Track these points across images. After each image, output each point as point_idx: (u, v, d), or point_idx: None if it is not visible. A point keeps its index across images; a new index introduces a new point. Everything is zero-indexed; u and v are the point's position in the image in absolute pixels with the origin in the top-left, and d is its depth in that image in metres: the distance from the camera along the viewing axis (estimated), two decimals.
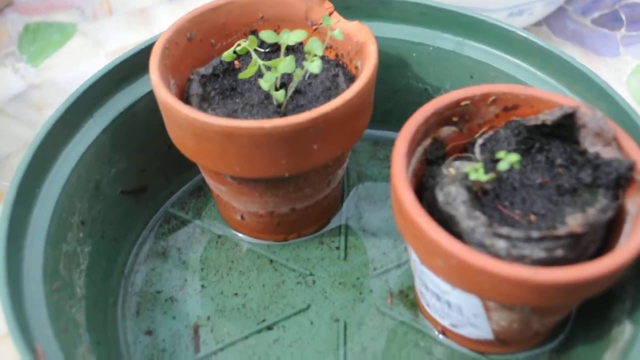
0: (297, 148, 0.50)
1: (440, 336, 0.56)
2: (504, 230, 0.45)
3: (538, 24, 0.90)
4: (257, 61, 0.54)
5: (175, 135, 0.54)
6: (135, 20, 0.94)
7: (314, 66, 0.52)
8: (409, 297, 0.58)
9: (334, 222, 0.64)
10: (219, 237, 0.64)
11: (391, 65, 0.66)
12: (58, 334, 0.47)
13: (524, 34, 0.60)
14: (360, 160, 0.70)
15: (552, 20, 0.91)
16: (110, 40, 0.91)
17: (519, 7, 0.78)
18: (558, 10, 0.92)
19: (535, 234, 0.44)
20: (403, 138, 0.49)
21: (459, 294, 0.48)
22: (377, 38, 0.60)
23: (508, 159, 0.47)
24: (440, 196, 0.48)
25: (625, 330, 0.48)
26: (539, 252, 0.44)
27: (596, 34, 0.89)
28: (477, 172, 0.48)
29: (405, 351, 0.55)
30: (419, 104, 0.52)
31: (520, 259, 0.44)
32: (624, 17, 0.91)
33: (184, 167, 0.65)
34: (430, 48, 0.65)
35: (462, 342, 0.55)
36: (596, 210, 0.46)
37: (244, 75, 0.54)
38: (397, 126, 0.51)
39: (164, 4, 0.97)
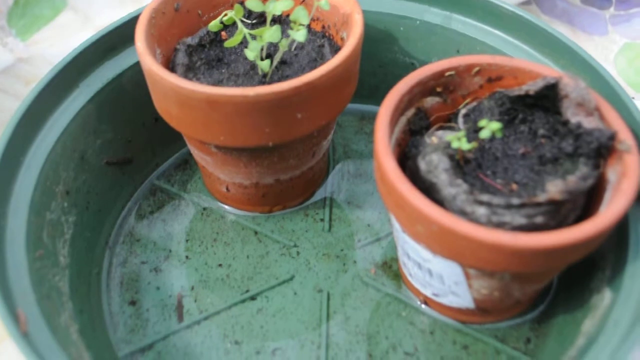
0: (280, 117, 0.51)
1: (423, 306, 0.56)
2: (485, 197, 0.45)
3: (527, 2, 0.90)
4: (242, 30, 0.54)
5: (160, 103, 0.54)
6: None
7: (299, 35, 0.52)
8: (392, 268, 0.59)
9: (319, 195, 0.64)
10: (204, 209, 0.64)
11: (378, 39, 0.66)
12: (40, 301, 0.47)
13: (511, 8, 0.60)
14: (347, 134, 0.70)
15: None
16: (100, 15, 0.91)
17: None
18: None
19: (515, 200, 0.45)
20: (386, 107, 0.49)
21: (439, 262, 0.49)
22: (364, 12, 0.61)
23: (490, 127, 0.47)
24: (422, 164, 0.48)
25: (605, 297, 0.48)
26: (519, 219, 0.44)
27: (585, 13, 0.89)
28: (459, 141, 0.48)
29: (388, 321, 0.56)
30: None
31: (500, 226, 0.44)
32: None
33: (170, 140, 0.65)
34: (418, 22, 0.65)
35: (444, 311, 0.55)
36: (576, 178, 0.46)
37: (229, 43, 0.54)
38: None
39: None
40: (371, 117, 0.71)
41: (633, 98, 0.76)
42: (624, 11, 0.89)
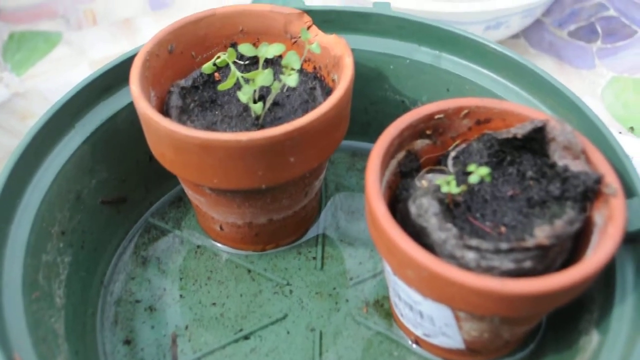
0: (273, 160, 0.51)
1: (414, 346, 0.57)
2: (474, 242, 0.46)
3: (516, 36, 0.91)
4: (235, 73, 0.55)
5: (155, 146, 0.55)
6: (119, 31, 0.95)
7: (291, 80, 0.53)
8: (384, 307, 0.59)
9: (312, 232, 0.65)
10: (198, 247, 0.64)
11: (369, 77, 0.67)
12: (37, 344, 0.48)
13: (498, 48, 0.61)
14: (339, 171, 0.71)
15: (530, 33, 0.92)
16: (94, 49, 0.92)
17: (496, 20, 0.79)
18: (535, 22, 0.93)
19: (504, 245, 0.45)
20: (377, 151, 0.50)
21: (430, 304, 0.49)
22: (355, 51, 0.62)
23: (478, 172, 0.48)
24: (412, 208, 0.49)
25: (593, 339, 0.49)
26: (507, 264, 0.45)
27: (572, 46, 0.90)
28: (449, 185, 0.49)
29: None
30: (397, 115, 0.53)
31: (489, 270, 0.45)
32: (599, 29, 0.93)
33: (164, 178, 0.65)
34: (408, 61, 0.66)
35: (434, 351, 0.56)
36: (563, 222, 0.47)
37: (223, 87, 0.55)
38: (375, 137, 0.51)
39: (148, 14, 0.98)
40: (363, 154, 0.72)
41: (620, 133, 0.77)
42: (610, 44, 0.90)
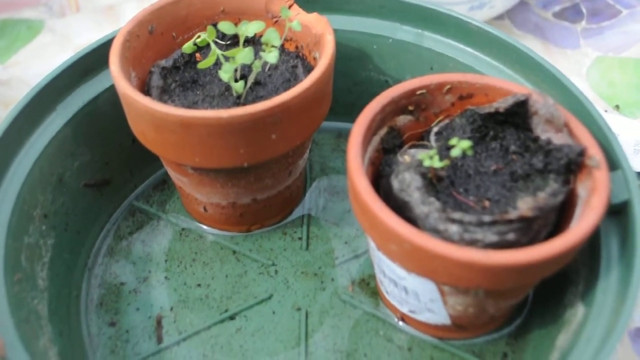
0: (255, 138, 0.51)
1: (400, 323, 0.57)
2: (457, 215, 0.46)
3: (500, 17, 0.91)
4: (215, 51, 0.55)
5: (136, 126, 0.55)
6: (103, 17, 0.94)
7: (271, 56, 0.53)
8: (369, 286, 0.59)
9: (297, 213, 0.65)
10: (183, 229, 0.64)
11: (352, 57, 0.67)
12: (18, 325, 0.47)
13: (481, 26, 0.61)
14: (323, 152, 0.70)
15: (514, 14, 0.92)
16: (78, 36, 0.91)
17: (479, 1, 0.79)
18: (520, 3, 0.93)
19: (487, 218, 0.45)
20: (359, 126, 0.50)
21: (414, 279, 0.49)
22: (337, 31, 0.61)
23: (460, 145, 0.48)
24: (395, 183, 0.49)
25: (578, 312, 0.49)
26: (491, 236, 0.45)
27: (557, 27, 0.90)
28: (431, 159, 0.48)
29: (367, 338, 0.56)
30: None
31: (472, 243, 0.45)
32: (584, 10, 0.92)
33: (148, 161, 0.65)
34: (390, 40, 0.65)
35: (421, 328, 0.56)
36: (547, 194, 0.47)
37: (203, 65, 0.55)
38: None
39: (131, 0, 0.97)
40: (347, 135, 0.70)
41: (606, 111, 0.77)
42: (595, 25, 0.90)
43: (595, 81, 0.82)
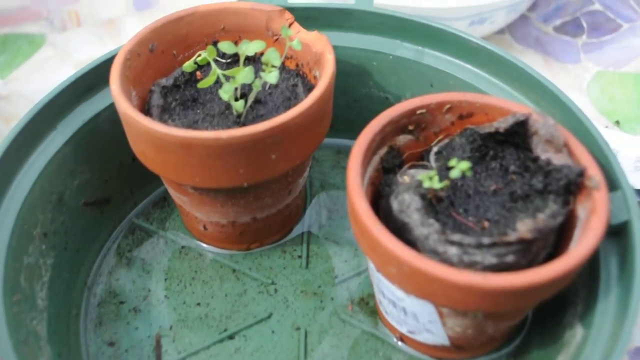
0: (255, 158, 0.51)
1: (399, 343, 0.57)
2: (456, 237, 0.45)
3: (501, 31, 0.91)
4: (215, 70, 0.55)
5: (136, 146, 0.55)
6: (104, 32, 0.94)
7: (271, 77, 0.53)
8: (369, 305, 0.59)
9: (296, 231, 0.65)
10: (183, 247, 0.64)
11: (352, 74, 0.67)
12: (17, 346, 0.47)
13: (480, 43, 0.61)
14: (324, 168, 0.70)
15: (515, 28, 0.92)
16: (79, 51, 0.91)
17: (480, 16, 0.79)
18: (520, 18, 0.93)
19: (486, 240, 0.45)
20: (359, 147, 0.50)
21: (413, 301, 0.49)
22: (337, 48, 0.61)
23: (459, 167, 0.48)
24: (394, 204, 0.49)
25: (577, 333, 0.49)
26: (490, 259, 0.45)
27: (557, 41, 0.90)
28: (431, 180, 0.48)
29: (366, 358, 0.56)
30: (381, 112, 0.53)
31: (472, 265, 0.45)
32: (585, 24, 0.93)
33: (147, 178, 0.65)
34: (390, 57, 0.65)
35: (420, 348, 0.56)
36: (546, 216, 0.47)
37: (203, 84, 0.55)
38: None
39: (132, 14, 0.97)
40: (347, 151, 0.69)
41: (606, 127, 0.77)
42: (596, 39, 0.90)
43: (595, 96, 0.82)
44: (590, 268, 0.50)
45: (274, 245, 0.64)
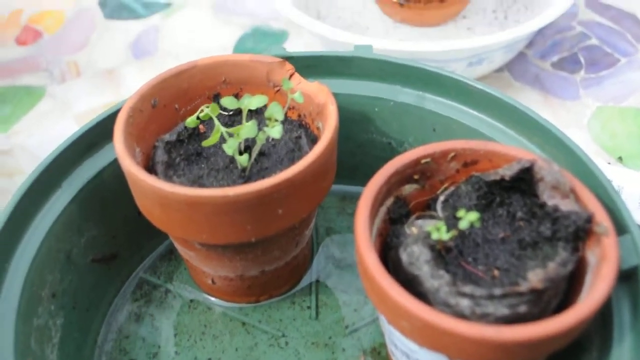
0: (261, 214, 0.51)
1: None
2: (467, 289, 0.45)
3: (499, 70, 0.92)
4: (219, 128, 0.55)
5: (142, 203, 0.55)
6: (104, 81, 0.95)
7: (275, 131, 0.53)
8: (381, 354, 0.59)
9: (305, 281, 0.65)
10: (191, 301, 0.64)
11: (354, 120, 0.67)
12: None
13: (479, 86, 0.61)
14: (329, 216, 0.70)
15: (513, 65, 0.93)
16: (79, 102, 0.92)
17: (478, 57, 0.80)
18: (518, 55, 0.94)
19: (497, 291, 0.45)
20: (365, 200, 0.50)
21: (426, 353, 0.49)
22: (338, 95, 0.62)
23: (467, 218, 0.48)
24: (404, 256, 0.49)
25: None
26: (502, 309, 0.45)
27: (556, 77, 0.91)
28: (439, 231, 0.48)
29: None
30: (384, 157, 0.53)
31: (484, 317, 0.45)
32: (582, 59, 0.93)
33: (154, 233, 0.65)
34: (392, 103, 0.66)
35: None
36: (556, 264, 0.47)
37: (207, 143, 0.55)
38: (364, 180, 0.51)
39: (131, 63, 0.98)
40: (352, 197, 0.71)
41: (609, 163, 0.78)
42: (594, 74, 0.91)
43: (596, 133, 0.82)
44: (603, 314, 0.50)
45: (283, 296, 0.64)
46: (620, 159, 0.78)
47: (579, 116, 0.85)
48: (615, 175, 0.72)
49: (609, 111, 0.85)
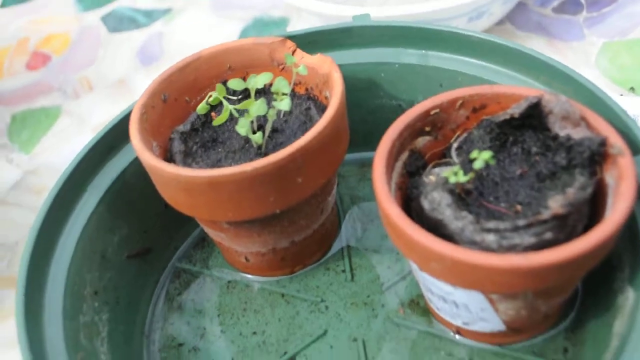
0: (281, 184, 0.52)
1: (457, 336, 0.57)
2: (491, 224, 0.46)
3: (501, 22, 0.92)
4: (228, 107, 0.56)
5: (166, 193, 0.56)
6: (116, 92, 0.97)
7: (284, 104, 0.54)
8: (420, 305, 0.60)
9: (336, 247, 0.66)
10: (229, 282, 0.65)
11: (362, 88, 0.68)
12: None
13: (481, 36, 0.62)
14: (351, 183, 0.72)
15: (514, 16, 0.93)
16: (95, 115, 0.94)
17: (477, 11, 0.80)
18: (518, 5, 0.94)
19: (521, 222, 0.46)
20: (380, 156, 0.51)
21: (462, 293, 0.50)
22: (343, 66, 0.63)
23: (482, 157, 0.49)
24: (425, 204, 0.50)
25: (629, 296, 0.49)
26: (528, 239, 0.46)
27: (558, 21, 0.91)
28: (456, 175, 0.49)
29: (426, 357, 0.57)
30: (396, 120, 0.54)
31: (512, 249, 0.46)
32: (583, 0, 0.93)
33: (183, 222, 0.67)
34: (396, 65, 0.67)
35: (478, 338, 0.56)
36: (575, 189, 0.47)
37: (217, 122, 0.57)
38: None
39: (140, 71, 0.99)
40: (371, 163, 0.71)
41: (622, 95, 0.78)
42: (596, 12, 0.91)
43: (605, 68, 0.82)
44: (630, 231, 0.50)
45: (316, 264, 0.65)
46: (632, 89, 0.79)
47: (586, 55, 0.85)
48: (629, 105, 0.73)
49: (616, 46, 0.85)
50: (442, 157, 0.56)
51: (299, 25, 1.03)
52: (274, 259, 0.62)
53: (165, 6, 1.12)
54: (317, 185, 0.56)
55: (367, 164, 0.73)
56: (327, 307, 0.62)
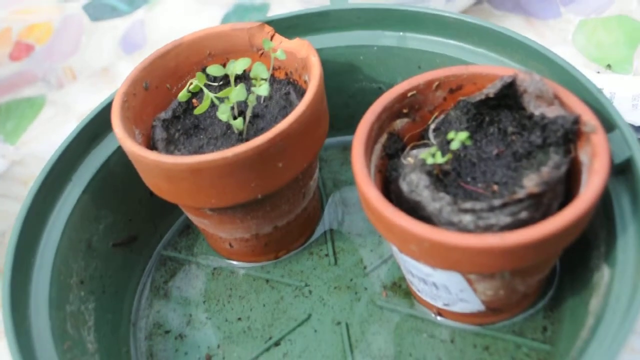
0: (262, 169, 0.53)
1: (438, 317, 0.58)
2: (468, 205, 0.47)
3: (479, 2, 0.93)
4: (208, 95, 0.57)
5: (149, 180, 0.57)
6: (100, 80, 0.97)
7: (262, 89, 0.55)
8: (402, 287, 0.61)
9: (319, 231, 0.67)
10: (214, 268, 0.66)
11: (342, 72, 0.69)
12: None
13: (457, 17, 0.62)
14: (333, 167, 0.72)
15: None
16: (79, 104, 0.94)
17: None
18: None
19: (497, 202, 0.47)
20: (358, 139, 0.52)
21: (440, 274, 0.51)
22: (322, 50, 0.63)
23: (458, 138, 0.50)
24: (404, 186, 0.50)
25: (605, 274, 0.50)
26: (504, 219, 0.46)
27: (535, 0, 0.91)
28: (434, 157, 0.50)
29: (409, 339, 0.58)
30: None
31: (488, 229, 0.46)
32: None
33: (168, 210, 0.67)
34: (375, 48, 0.67)
35: (459, 318, 0.57)
36: (550, 168, 0.48)
37: (198, 110, 0.57)
38: None
39: (123, 59, 1.00)
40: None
41: (599, 72, 0.78)
42: None
43: (582, 45, 0.83)
44: (605, 208, 0.51)
45: (300, 249, 0.66)
46: (609, 66, 0.79)
47: (563, 33, 0.85)
48: (606, 82, 0.73)
49: (592, 23, 0.86)
50: (421, 139, 0.56)
51: (279, 10, 1.03)
52: (257, 244, 0.63)
53: None
54: (298, 170, 0.56)
55: (349, 148, 0.71)
56: (310, 292, 0.62)
